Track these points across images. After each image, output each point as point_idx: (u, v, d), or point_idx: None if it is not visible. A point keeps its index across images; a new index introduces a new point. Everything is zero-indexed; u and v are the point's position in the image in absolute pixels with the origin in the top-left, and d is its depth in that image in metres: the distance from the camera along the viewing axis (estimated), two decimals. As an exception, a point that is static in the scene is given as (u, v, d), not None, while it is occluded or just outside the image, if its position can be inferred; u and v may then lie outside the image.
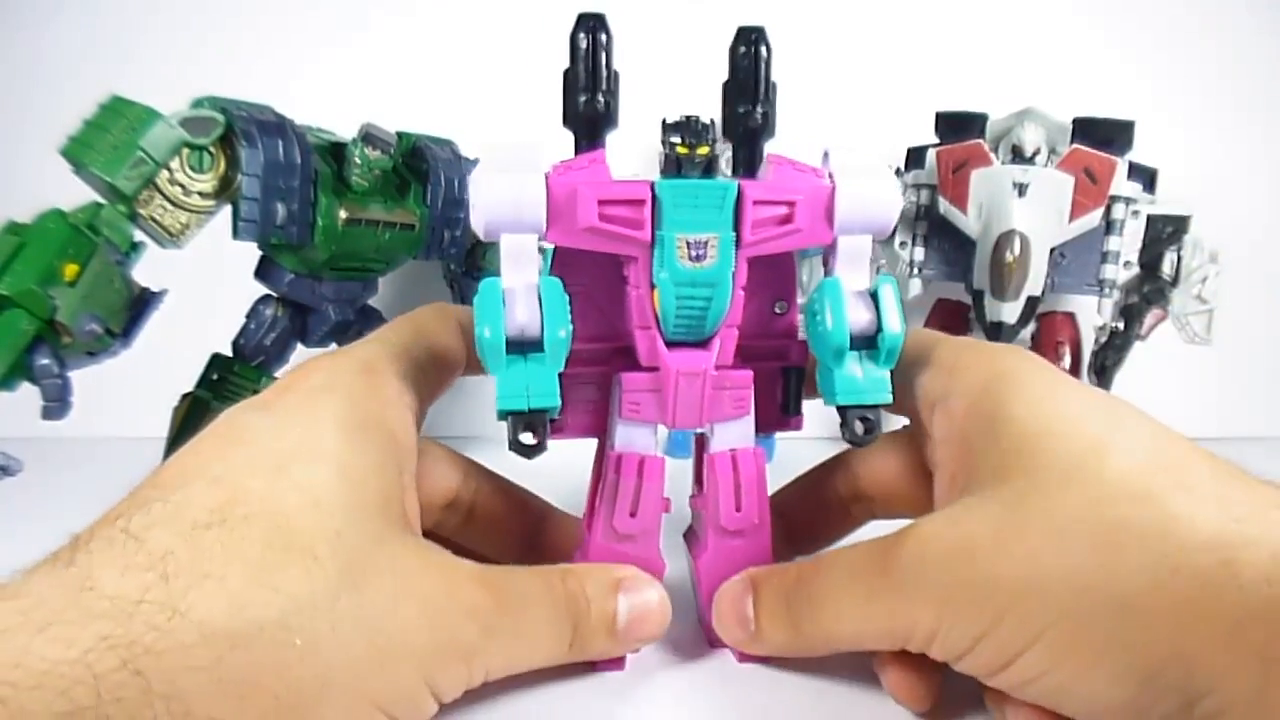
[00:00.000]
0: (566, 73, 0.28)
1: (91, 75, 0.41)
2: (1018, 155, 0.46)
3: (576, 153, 0.28)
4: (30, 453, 0.40)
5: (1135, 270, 0.48)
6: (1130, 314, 0.49)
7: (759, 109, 0.28)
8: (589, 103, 0.28)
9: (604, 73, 0.27)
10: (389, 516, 0.24)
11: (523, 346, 0.25)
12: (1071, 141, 0.46)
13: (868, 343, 0.27)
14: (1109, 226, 0.46)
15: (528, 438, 0.25)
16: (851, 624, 0.26)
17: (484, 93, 0.56)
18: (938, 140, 0.49)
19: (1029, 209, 0.45)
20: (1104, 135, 0.46)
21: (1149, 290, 0.49)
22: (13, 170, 0.50)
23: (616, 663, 0.29)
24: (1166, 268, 0.48)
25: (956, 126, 0.48)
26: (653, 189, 0.25)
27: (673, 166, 0.26)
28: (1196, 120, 0.57)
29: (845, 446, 0.29)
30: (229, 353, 0.45)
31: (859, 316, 0.27)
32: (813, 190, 0.27)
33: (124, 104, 0.38)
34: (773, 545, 0.30)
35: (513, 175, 0.25)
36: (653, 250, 0.26)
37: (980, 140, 0.47)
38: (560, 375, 0.25)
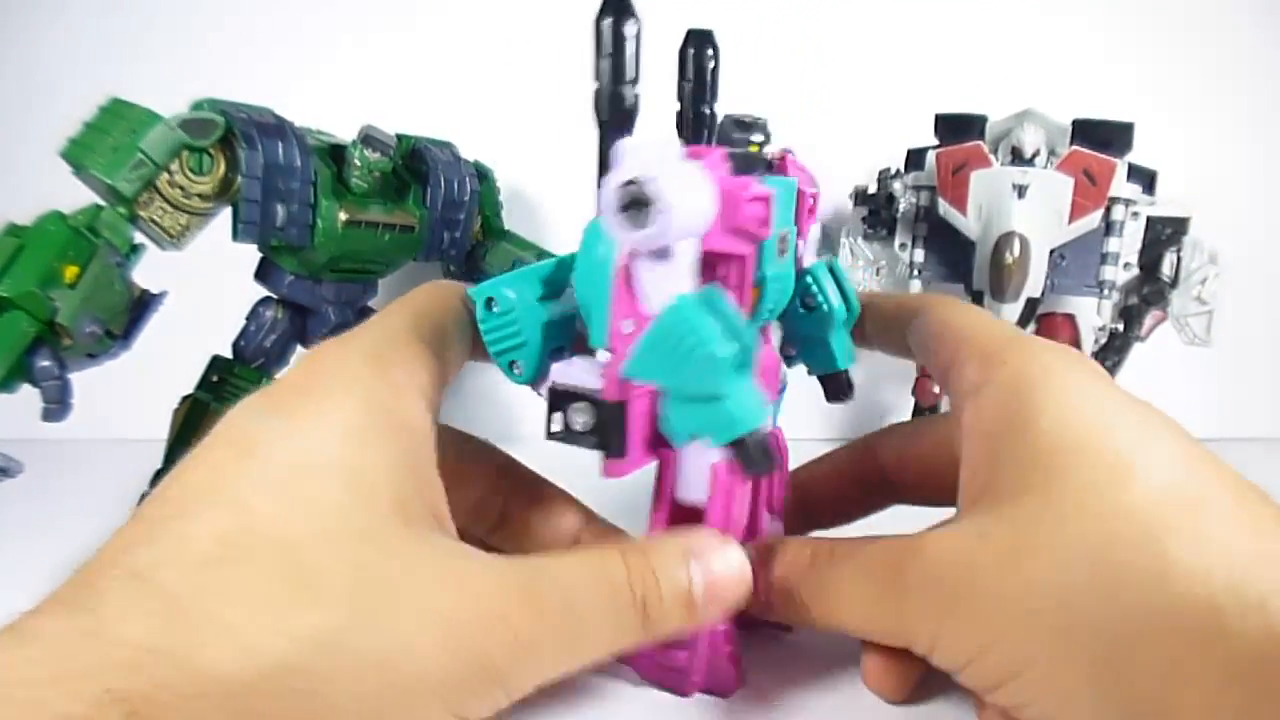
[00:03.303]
0: (604, 62, 0.26)
1: (91, 78, 0.41)
2: (1017, 157, 0.46)
3: (602, 146, 0.26)
4: (30, 454, 0.40)
5: (1135, 272, 0.48)
6: (1130, 315, 0.49)
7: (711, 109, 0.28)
8: (617, 95, 0.26)
9: (634, 63, 0.26)
10: (407, 521, 0.23)
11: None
12: (1071, 143, 0.46)
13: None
14: (1108, 228, 0.46)
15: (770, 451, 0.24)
16: (858, 620, 0.26)
17: (484, 94, 0.56)
18: (937, 142, 0.49)
19: (1028, 210, 0.45)
20: (1103, 137, 0.46)
21: (1148, 292, 0.49)
22: (13, 172, 0.50)
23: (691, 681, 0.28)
24: (1166, 269, 0.48)
25: (956, 128, 0.48)
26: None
27: (742, 164, 0.26)
28: (1196, 122, 0.57)
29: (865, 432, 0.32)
30: (229, 355, 0.45)
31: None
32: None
33: (124, 106, 0.38)
34: (786, 520, 0.31)
35: (705, 180, 0.24)
36: (759, 247, 0.26)
37: (980, 142, 0.47)
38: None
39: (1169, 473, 0.23)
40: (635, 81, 0.26)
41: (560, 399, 0.25)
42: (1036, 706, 0.22)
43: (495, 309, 0.26)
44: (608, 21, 0.25)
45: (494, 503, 0.31)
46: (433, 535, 0.24)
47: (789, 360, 0.33)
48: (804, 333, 0.32)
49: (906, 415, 0.53)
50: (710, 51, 0.27)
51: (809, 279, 0.31)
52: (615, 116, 0.26)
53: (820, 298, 0.31)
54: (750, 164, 0.26)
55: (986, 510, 0.25)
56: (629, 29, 0.26)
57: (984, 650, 0.23)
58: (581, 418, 0.24)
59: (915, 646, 0.25)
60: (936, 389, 0.50)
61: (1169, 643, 0.20)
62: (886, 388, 0.59)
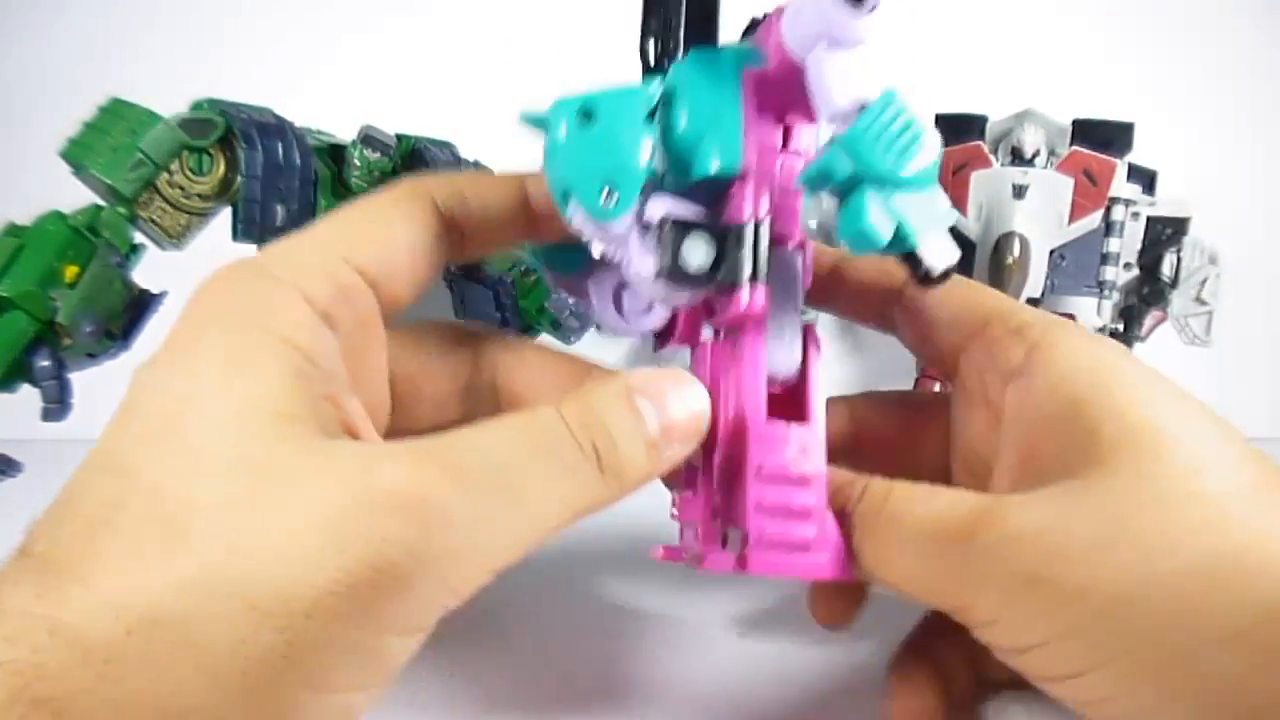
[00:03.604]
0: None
1: (91, 78, 0.41)
2: (1017, 157, 0.46)
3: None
4: (30, 455, 0.40)
5: (1135, 272, 0.48)
6: (1130, 315, 0.49)
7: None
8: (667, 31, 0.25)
9: None
10: (294, 436, 0.20)
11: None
12: (1071, 143, 0.46)
13: None
14: (1108, 228, 0.46)
15: None
16: (909, 578, 0.24)
17: (484, 95, 0.56)
18: (937, 142, 0.49)
19: (1028, 211, 0.45)
20: (1103, 137, 0.46)
21: (1148, 292, 0.49)
22: (12, 172, 0.50)
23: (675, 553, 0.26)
24: (1166, 269, 0.48)
25: (956, 128, 0.48)
26: None
27: None
28: (1196, 122, 0.57)
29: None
30: None
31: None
32: None
33: (124, 106, 0.38)
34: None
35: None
36: None
37: (980, 142, 0.47)
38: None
39: (1238, 470, 0.22)
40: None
41: (679, 231, 0.23)
42: (1112, 705, 0.21)
43: (594, 123, 0.23)
44: None
45: (481, 389, 0.29)
46: (326, 442, 0.20)
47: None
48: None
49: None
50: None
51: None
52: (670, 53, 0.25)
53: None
54: None
55: (1064, 492, 0.22)
56: None
57: (1054, 640, 0.21)
58: (699, 253, 0.22)
59: (968, 618, 0.23)
60: (937, 388, 0.50)
61: (1251, 645, 0.19)
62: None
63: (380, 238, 0.25)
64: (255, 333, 0.22)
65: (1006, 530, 0.22)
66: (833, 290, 0.30)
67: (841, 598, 0.28)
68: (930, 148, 0.22)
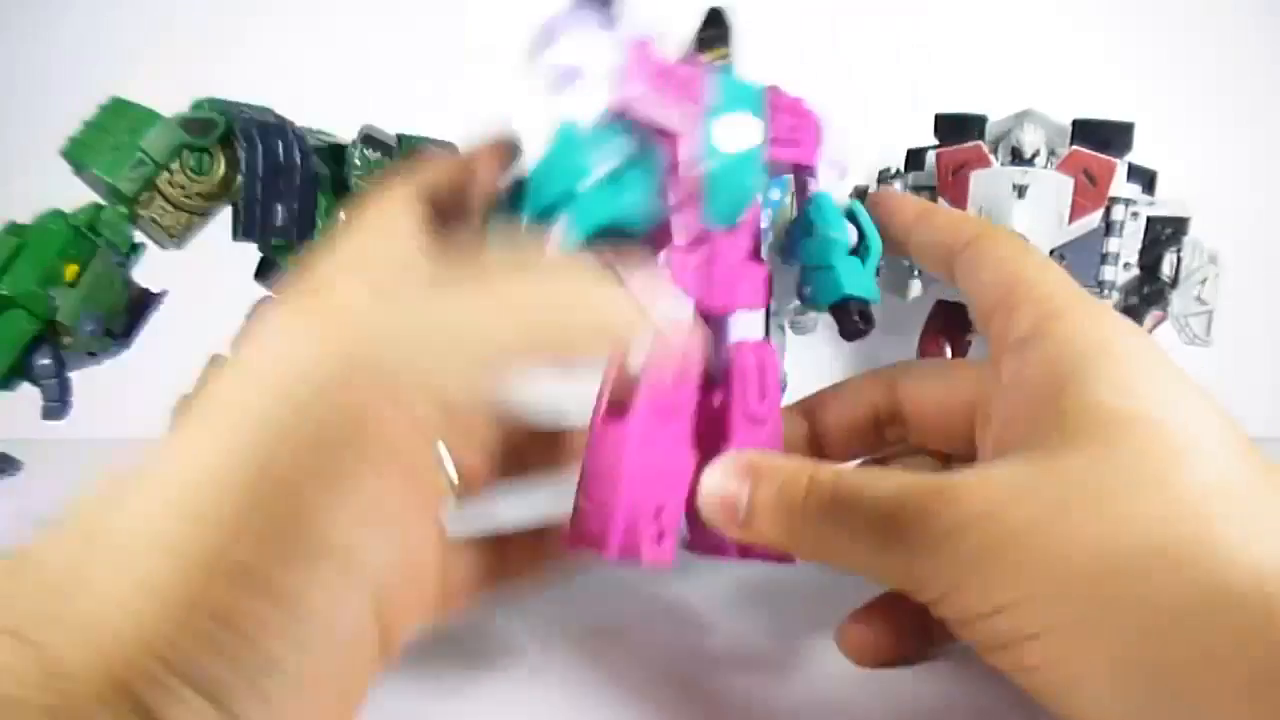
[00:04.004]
0: None
1: (92, 77, 0.41)
2: (1017, 157, 0.46)
3: None
4: (29, 454, 0.40)
5: (1135, 272, 0.48)
6: (1130, 315, 0.49)
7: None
8: None
9: None
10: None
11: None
12: (1071, 143, 0.46)
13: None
14: (1108, 228, 0.46)
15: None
16: (859, 561, 0.24)
17: (484, 96, 0.56)
18: (937, 142, 0.49)
19: (1028, 211, 0.45)
20: (1103, 137, 0.46)
21: (1148, 292, 0.49)
22: (13, 171, 0.50)
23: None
24: (1166, 269, 0.48)
25: (956, 128, 0.48)
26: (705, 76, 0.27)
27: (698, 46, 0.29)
28: (1196, 121, 0.57)
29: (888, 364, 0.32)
30: (229, 354, 0.45)
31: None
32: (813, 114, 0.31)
33: (124, 105, 0.38)
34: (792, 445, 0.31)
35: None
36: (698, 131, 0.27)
37: (980, 142, 0.47)
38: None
39: (1224, 461, 0.22)
40: None
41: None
42: (1044, 673, 0.21)
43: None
44: None
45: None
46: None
47: (803, 300, 0.33)
48: (811, 261, 0.32)
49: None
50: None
51: (810, 204, 0.31)
52: None
53: (818, 221, 0.31)
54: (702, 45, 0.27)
55: (1028, 463, 0.23)
56: None
57: (1004, 608, 0.21)
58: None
59: (919, 594, 0.23)
60: (949, 351, 0.49)
61: (1208, 631, 0.19)
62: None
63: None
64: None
65: (959, 514, 0.22)
66: (908, 240, 0.32)
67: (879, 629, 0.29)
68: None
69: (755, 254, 0.31)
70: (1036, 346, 0.25)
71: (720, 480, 0.26)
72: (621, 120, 0.26)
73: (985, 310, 0.28)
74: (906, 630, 0.29)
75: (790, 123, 0.30)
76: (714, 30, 0.28)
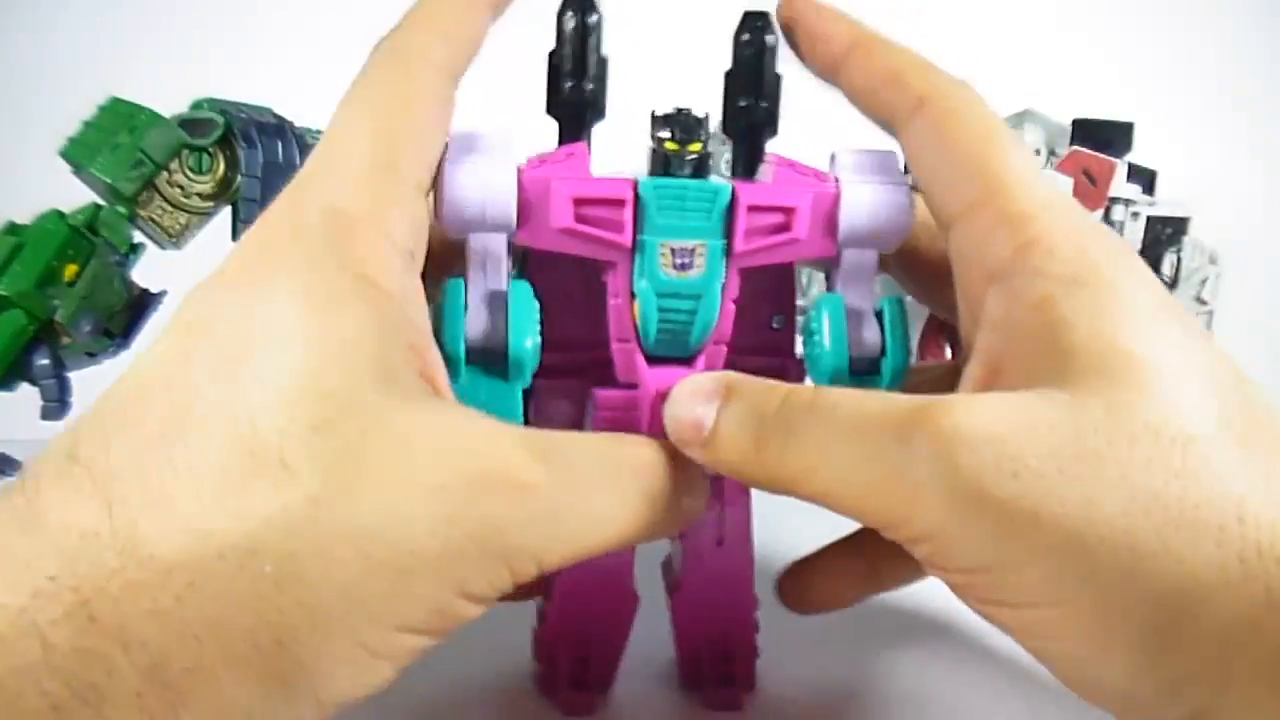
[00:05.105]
0: (551, 55, 0.26)
1: (91, 76, 0.41)
2: (1017, 157, 0.46)
3: (560, 145, 0.26)
4: (29, 454, 0.40)
5: (1135, 272, 0.48)
6: (1130, 315, 0.49)
7: (761, 103, 0.26)
8: (574, 89, 0.25)
9: (592, 57, 0.25)
10: (389, 388, 0.19)
11: (488, 358, 0.23)
12: (1071, 143, 0.46)
13: (869, 366, 0.25)
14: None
15: None
16: (830, 481, 0.21)
17: (483, 97, 0.56)
18: (937, 142, 0.48)
19: (1028, 210, 0.45)
20: (1103, 137, 0.46)
21: (1148, 292, 0.48)
22: (12, 171, 0.50)
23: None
24: (1166, 269, 0.48)
25: (956, 128, 0.48)
26: (636, 188, 0.23)
27: (660, 164, 0.24)
28: (1196, 121, 0.57)
29: None
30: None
31: (861, 337, 0.25)
32: (815, 196, 0.24)
33: (123, 105, 0.38)
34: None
35: (481, 167, 0.23)
36: (633, 257, 0.24)
37: (980, 142, 0.47)
38: (529, 389, 0.24)
39: (1238, 412, 0.20)
40: (596, 77, 0.25)
41: None
42: (1054, 644, 0.19)
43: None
44: (569, 14, 0.25)
45: None
46: (424, 398, 0.20)
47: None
48: (812, 376, 0.26)
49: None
50: (747, 36, 0.26)
51: (810, 312, 0.26)
52: (570, 114, 0.26)
53: (815, 336, 0.25)
54: (665, 163, 0.24)
55: (1022, 402, 0.20)
56: (589, 21, 0.25)
57: (1007, 568, 0.19)
58: None
59: (904, 534, 0.20)
60: (949, 352, 0.48)
61: (1244, 597, 0.17)
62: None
63: (431, 155, 0.23)
64: (340, 274, 0.20)
65: (944, 429, 0.19)
66: (837, 77, 0.27)
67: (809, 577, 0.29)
68: None
69: None
70: (1020, 284, 0.22)
71: (689, 400, 0.23)
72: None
73: (943, 206, 0.24)
74: (850, 579, 0.29)
75: (778, 218, 0.24)
76: (681, 130, 0.24)
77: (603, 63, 0.26)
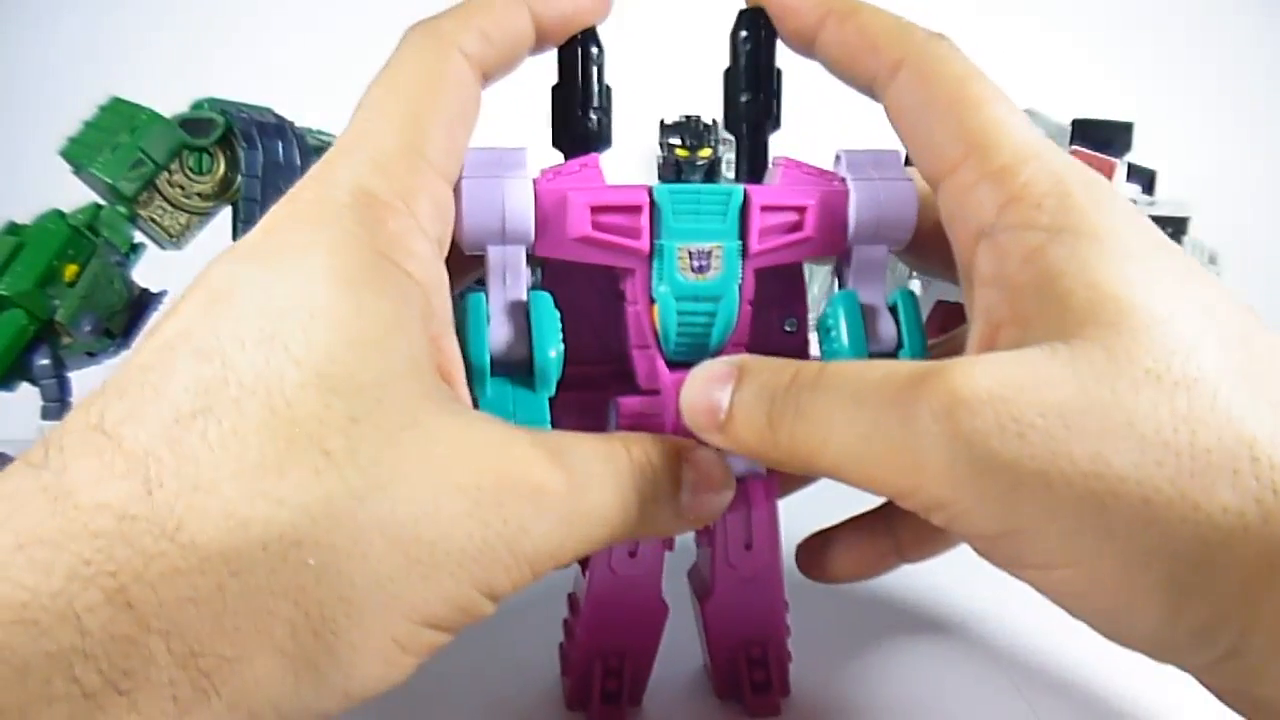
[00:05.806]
0: (555, 89, 0.26)
1: (91, 76, 0.42)
2: (1017, 156, 0.46)
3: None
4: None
5: (1135, 271, 0.48)
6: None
7: (761, 95, 0.26)
8: (581, 120, 0.26)
9: (595, 88, 0.26)
10: (419, 384, 0.20)
11: (510, 369, 0.23)
12: (1070, 143, 0.46)
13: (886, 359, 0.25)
14: (1108, 228, 0.46)
15: None
16: (840, 455, 0.21)
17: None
18: (937, 141, 0.48)
19: (1028, 210, 0.45)
20: (1103, 137, 0.46)
21: (1148, 291, 0.49)
22: (13, 171, 0.50)
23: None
24: (1166, 269, 0.48)
25: (956, 128, 0.48)
26: (651, 194, 0.24)
27: (672, 170, 0.25)
28: (1196, 121, 0.57)
29: None
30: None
31: (877, 331, 0.25)
32: (824, 195, 0.25)
33: (124, 105, 0.38)
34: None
35: (498, 181, 0.23)
36: (651, 262, 0.24)
37: (980, 142, 0.47)
38: (550, 400, 0.24)
39: (1246, 355, 0.19)
40: (600, 108, 0.26)
41: None
42: (1084, 602, 0.19)
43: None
44: (570, 48, 0.25)
45: None
46: (445, 399, 0.20)
47: None
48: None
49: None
50: (744, 33, 0.26)
51: (826, 310, 0.26)
52: (577, 146, 0.26)
53: (832, 333, 0.25)
54: (676, 169, 0.24)
55: (1023, 360, 0.19)
56: (591, 53, 0.25)
57: (1023, 531, 0.19)
58: None
59: (919, 502, 0.20)
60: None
61: (1248, 548, 0.17)
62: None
63: (458, 144, 0.23)
64: (371, 256, 0.20)
65: (944, 394, 0.19)
66: (812, 43, 0.26)
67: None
68: None
69: None
70: (1009, 238, 0.21)
71: (704, 386, 0.23)
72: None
73: (930, 167, 0.24)
74: (871, 553, 0.28)
75: (791, 217, 0.25)
76: (690, 137, 0.25)
77: (607, 93, 0.26)
